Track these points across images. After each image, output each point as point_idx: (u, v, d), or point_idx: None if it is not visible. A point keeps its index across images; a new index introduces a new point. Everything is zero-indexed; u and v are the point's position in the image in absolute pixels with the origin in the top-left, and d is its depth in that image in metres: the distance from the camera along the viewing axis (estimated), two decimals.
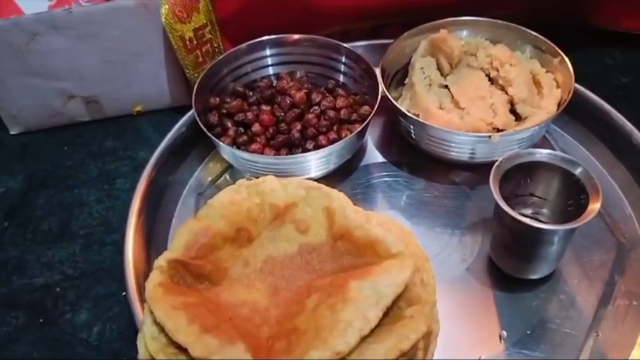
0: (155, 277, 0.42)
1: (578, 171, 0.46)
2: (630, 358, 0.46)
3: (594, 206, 0.44)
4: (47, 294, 0.54)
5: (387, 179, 0.62)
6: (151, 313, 0.40)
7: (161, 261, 0.43)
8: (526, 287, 0.51)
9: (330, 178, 0.60)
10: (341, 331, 0.38)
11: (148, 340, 0.39)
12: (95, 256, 0.57)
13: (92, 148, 0.67)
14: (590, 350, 0.47)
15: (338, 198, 0.48)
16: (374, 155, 0.64)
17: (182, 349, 0.38)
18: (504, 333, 0.48)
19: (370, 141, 0.65)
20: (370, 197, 0.60)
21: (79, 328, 0.51)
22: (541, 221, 0.49)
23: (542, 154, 0.48)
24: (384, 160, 0.63)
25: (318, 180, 0.58)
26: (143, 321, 0.41)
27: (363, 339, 0.39)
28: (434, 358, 0.46)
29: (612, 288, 0.50)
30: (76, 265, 0.56)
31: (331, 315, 0.39)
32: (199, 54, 0.64)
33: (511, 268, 0.50)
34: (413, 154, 0.62)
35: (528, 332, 0.48)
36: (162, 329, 0.39)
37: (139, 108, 0.70)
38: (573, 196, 0.47)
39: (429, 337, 0.45)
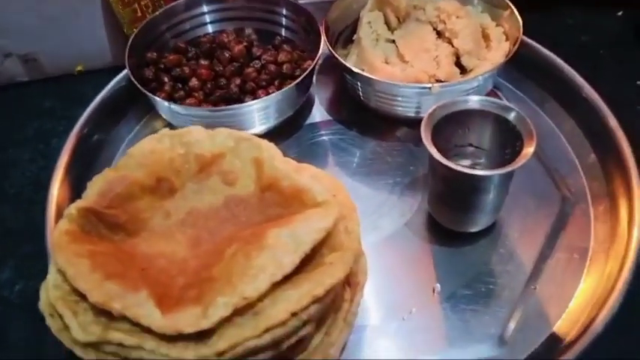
0: (62, 225, 0.40)
1: (511, 116, 0.44)
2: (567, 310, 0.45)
3: (528, 150, 0.42)
4: None
5: (332, 137, 0.60)
6: (56, 262, 0.38)
7: (71, 209, 0.41)
8: (465, 241, 0.49)
9: (274, 136, 0.57)
10: (251, 277, 0.36)
11: (50, 288, 0.37)
12: (24, 214, 0.55)
13: (30, 108, 0.65)
14: (526, 303, 0.45)
15: (268, 149, 0.46)
16: (321, 114, 0.62)
17: (84, 298, 0.36)
18: (438, 286, 0.46)
19: (317, 100, 0.63)
20: (314, 155, 0.58)
21: (1, 285, 0.49)
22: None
23: (475, 100, 0.46)
24: (331, 118, 0.61)
25: (262, 136, 0.56)
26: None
27: (279, 286, 0.37)
28: (363, 309, 0.45)
29: (554, 242, 0.49)
30: (3, 223, 0.54)
31: (245, 262, 0.37)
32: (137, 8, 0.61)
33: (449, 220, 0.49)
34: (361, 113, 0.60)
35: (464, 286, 0.46)
36: (65, 278, 0.37)
37: (79, 67, 0.67)
38: (509, 143, 0.45)
39: (355, 287, 0.44)
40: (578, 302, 0.45)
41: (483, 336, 0.44)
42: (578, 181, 0.53)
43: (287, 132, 0.59)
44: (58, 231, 0.39)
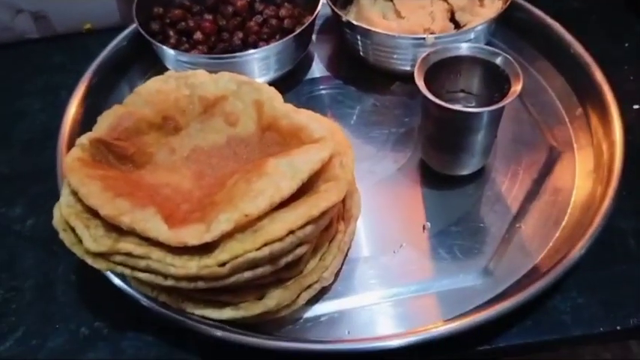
0: (75, 153, 0.42)
1: (499, 60, 0.46)
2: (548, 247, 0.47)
3: (515, 88, 0.44)
4: None
5: (330, 91, 0.62)
6: (69, 185, 0.41)
7: (83, 139, 0.43)
8: (455, 184, 0.52)
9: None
10: (252, 197, 0.39)
11: (62, 207, 0.40)
12: (35, 158, 0.57)
13: (40, 63, 0.67)
14: (510, 240, 0.48)
15: (268, 91, 0.48)
16: (320, 70, 0.64)
17: (96, 216, 0.39)
18: (428, 224, 0.49)
19: (317, 57, 0.66)
20: (312, 107, 0.58)
21: (13, 220, 0.52)
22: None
23: (465, 47, 0.48)
24: (330, 74, 0.64)
25: None
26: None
27: (277, 210, 0.39)
28: (357, 242, 0.47)
29: (540, 185, 0.51)
30: (14, 166, 0.56)
31: (246, 186, 0.40)
32: None
33: (439, 163, 0.51)
34: (359, 69, 0.63)
35: (452, 224, 0.49)
36: (78, 199, 0.40)
37: (88, 26, 0.69)
38: (498, 87, 0.47)
39: (349, 220, 0.46)
40: (560, 239, 0.47)
41: (469, 268, 0.46)
42: (566, 133, 0.56)
43: (286, 86, 0.62)
44: (70, 157, 0.42)
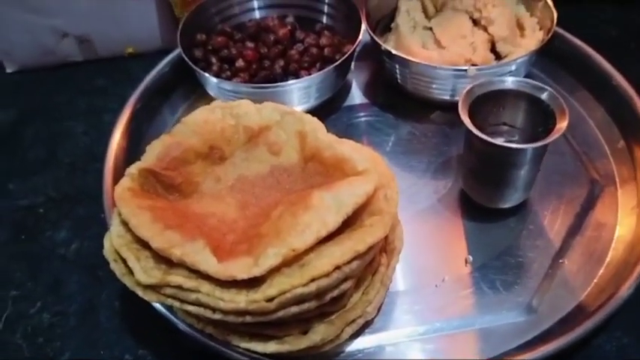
0: (125, 182, 0.43)
1: (544, 95, 0.46)
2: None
3: (561, 125, 0.44)
4: (30, 214, 0.55)
5: (369, 119, 0.62)
6: (119, 214, 0.42)
7: (132, 169, 0.44)
8: (496, 217, 0.51)
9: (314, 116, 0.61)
10: (299, 232, 0.39)
11: (113, 237, 0.41)
12: (79, 181, 0.58)
13: (83, 86, 0.68)
14: (553, 276, 0.47)
15: (311, 122, 0.49)
16: (358, 97, 0.65)
17: (146, 246, 0.40)
18: (470, 257, 0.49)
19: (355, 84, 0.66)
20: (351, 135, 0.60)
21: (58, 244, 0.53)
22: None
23: (510, 81, 0.48)
24: (368, 101, 0.64)
25: None
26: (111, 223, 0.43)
27: (323, 243, 0.40)
28: (398, 276, 0.47)
29: (582, 220, 0.51)
30: (60, 189, 0.57)
31: (292, 219, 0.40)
32: None
33: (481, 196, 0.51)
34: (397, 97, 0.63)
35: (494, 258, 0.49)
36: (128, 229, 0.41)
37: (130, 50, 0.71)
38: (542, 121, 0.47)
39: (392, 253, 0.46)
40: (604, 276, 0.47)
41: (512, 304, 0.46)
42: (607, 166, 0.55)
43: (325, 113, 0.62)
44: (121, 187, 0.43)
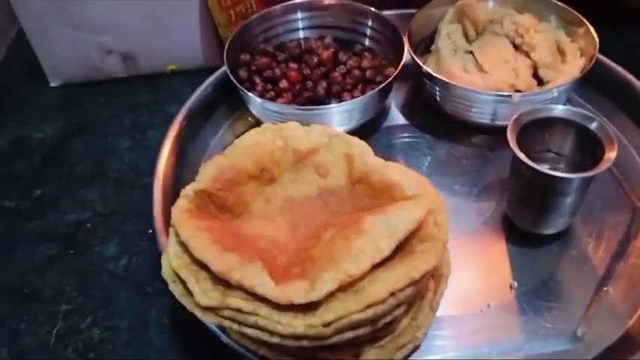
0: (182, 204, 0.44)
1: (593, 125, 0.47)
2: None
3: (610, 155, 0.45)
4: (79, 229, 0.57)
5: (408, 140, 0.63)
6: (176, 235, 0.43)
7: (188, 190, 0.46)
8: (540, 243, 0.52)
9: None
10: (353, 257, 0.40)
11: (171, 258, 0.42)
12: (125, 197, 0.59)
13: (126, 102, 0.70)
14: (598, 303, 0.47)
15: (358, 145, 0.50)
16: (397, 118, 0.66)
17: (204, 267, 0.41)
18: (515, 283, 0.49)
19: (394, 105, 0.67)
20: (391, 156, 0.61)
21: (107, 260, 0.54)
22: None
23: (559, 109, 0.49)
24: (407, 122, 0.65)
25: None
26: (168, 243, 0.44)
27: (376, 269, 0.40)
28: (444, 300, 0.48)
29: (626, 247, 0.51)
30: (107, 204, 0.59)
31: (345, 244, 0.41)
32: (233, 13, 0.66)
33: (526, 222, 0.51)
34: (436, 117, 0.64)
35: (539, 284, 0.49)
36: (185, 249, 0.42)
37: (172, 67, 0.72)
38: (589, 150, 0.47)
39: (439, 278, 0.47)
40: None
41: (558, 331, 0.46)
42: None
43: (365, 134, 0.63)
44: (178, 209, 0.44)
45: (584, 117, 0.48)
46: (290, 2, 0.66)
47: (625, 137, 0.60)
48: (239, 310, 0.39)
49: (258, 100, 0.58)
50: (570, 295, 0.48)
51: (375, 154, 0.60)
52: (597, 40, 0.59)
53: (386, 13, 0.68)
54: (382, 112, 0.65)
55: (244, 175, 0.47)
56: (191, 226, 0.42)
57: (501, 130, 0.51)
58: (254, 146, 0.49)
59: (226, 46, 0.61)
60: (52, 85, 0.72)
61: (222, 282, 0.40)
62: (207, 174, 0.47)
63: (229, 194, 0.47)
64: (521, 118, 0.48)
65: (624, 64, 0.63)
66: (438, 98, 0.61)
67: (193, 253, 0.41)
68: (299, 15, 0.66)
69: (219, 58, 0.63)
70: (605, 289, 0.49)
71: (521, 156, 0.46)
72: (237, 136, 0.63)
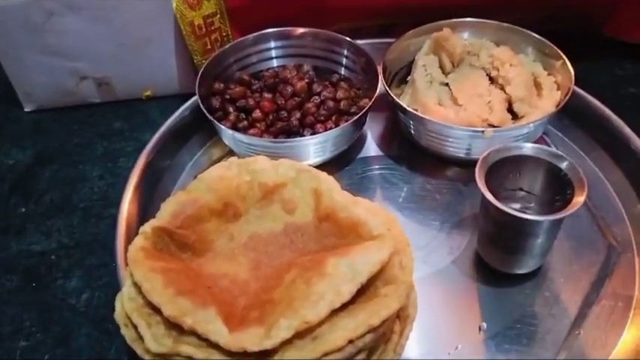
0: (138, 242, 0.43)
1: (564, 165, 0.46)
2: (610, 358, 0.45)
3: (579, 199, 0.44)
4: (42, 261, 0.55)
5: (383, 172, 0.62)
6: (132, 275, 0.42)
7: (146, 227, 0.44)
8: (511, 282, 0.51)
9: (327, 168, 0.59)
10: (312, 303, 0.38)
11: (125, 299, 0.41)
12: (92, 228, 0.58)
13: (100, 128, 0.69)
14: (570, 348, 0.46)
15: (326, 181, 0.49)
16: (372, 149, 0.65)
17: (157, 311, 0.39)
18: (484, 325, 0.48)
19: (370, 135, 0.66)
20: (365, 188, 0.61)
21: (69, 294, 0.53)
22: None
23: (529, 147, 0.48)
24: (382, 153, 0.64)
25: (316, 168, 0.59)
26: (124, 283, 0.42)
27: (336, 313, 0.39)
28: (410, 342, 0.46)
29: (599, 289, 0.50)
30: (73, 235, 0.58)
31: (306, 288, 0.40)
32: (208, 41, 0.66)
33: (497, 261, 0.50)
34: (411, 149, 0.63)
35: (509, 326, 0.48)
36: (140, 291, 0.41)
37: (148, 92, 0.72)
38: (560, 190, 0.46)
39: (405, 320, 0.45)
40: (622, 350, 0.46)
41: None
42: (624, 231, 0.54)
43: (340, 165, 0.62)
44: (134, 247, 0.43)
45: (554, 156, 0.47)
46: (263, 31, 0.65)
47: (601, 172, 0.60)
48: (190, 358, 0.37)
49: (230, 132, 0.58)
50: (541, 339, 0.47)
51: (350, 186, 0.60)
52: (573, 73, 0.58)
53: (362, 42, 0.68)
54: (357, 142, 0.64)
55: (206, 211, 0.46)
56: (145, 267, 0.41)
57: (477, 163, 0.51)
58: (218, 180, 0.48)
59: (199, 76, 0.61)
60: (27, 109, 0.72)
61: (176, 326, 0.39)
62: (167, 210, 0.46)
63: (190, 232, 0.45)
64: (489, 156, 0.47)
65: (606, 96, 0.63)
66: (412, 131, 0.61)
67: (146, 295, 0.39)
68: (272, 44, 0.66)
69: (195, 85, 0.62)
70: (577, 332, 0.47)
71: (489, 196, 0.45)
72: (213, 163, 0.64)
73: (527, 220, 0.44)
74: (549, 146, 0.61)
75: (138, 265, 0.41)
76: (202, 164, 0.64)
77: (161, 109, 0.71)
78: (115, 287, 0.51)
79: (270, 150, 0.57)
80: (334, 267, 0.41)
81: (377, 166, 0.63)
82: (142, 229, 0.44)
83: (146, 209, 0.57)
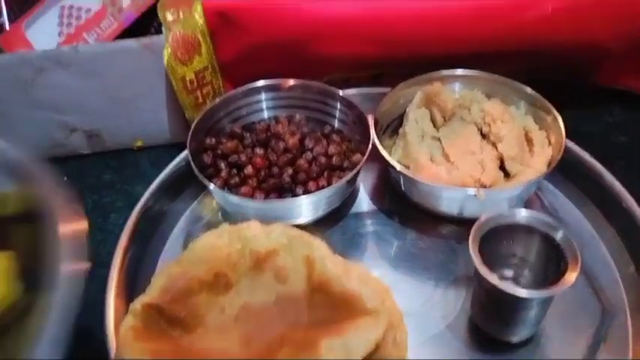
0: (128, 321, 0.43)
1: (558, 236, 0.46)
2: None
3: (571, 275, 0.43)
4: None
5: (376, 228, 0.62)
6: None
7: (136, 304, 0.44)
8: (506, 349, 0.50)
9: (319, 224, 0.60)
10: None
11: None
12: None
13: (90, 181, 0.68)
14: None
15: (319, 248, 0.48)
16: (365, 203, 0.64)
17: None
18: None
19: (362, 188, 0.66)
20: (358, 245, 0.60)
21: None
22: (519, 285, 0.48)
23: (523, 216, 0.48)
24: (375, 208, 0.64)
25: (307, 225, 0.58)
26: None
27: None
28: None
29: (593, 354, 0.50)
30: None
31: None
32: (199, 95, 0.65)
33: (490, 328, 0.50)
34: (404, 204, 0.62)
35: None
36: None
37: (139, 143, 0.71)
38: (554, 259, 0.46)
39: None
40: None
41: None
42: (617, 292, 0.54)
43: (332, 221, 0.62)
44: (124, 327, 0.42)
45: (548, 226, 0.47)
46: (254, 84, 0.65)
47: (595, 230, 0.59)
48: None
49: (220, 191, 0.57)
50: None
51: (343, 242, 0.60)
52: (564, 130, 0.58)
53: (353, 91, 0.68)
54: (350, 197, 0.64)
55: (197, 284, 0.46)
56: (136, 349, 0.40)
57: (471, 221, 0.50)
58: (209, 250, 0.48)
59: (190, 133, 0.60)
60: None
61: None
62: (157, 284, 0.45)
63: (181, 306, 0.45)
64: (482, 226, 0.47)
65: (596, 146, 0.63)
66: (403, 189, 0.60)
67: None
68: (263, 96, 0.66)
69: (187, 134, 0.61)
70: None
71: (483, 271, 0.44)
72: (205, 216, 0.63)
73: (519, 297, 0.44)
74: (542, 202, 0.62)
75: (127, 348, 0.41)
76: (195, 217, 0.63)
77: (152, 159, 0.70)
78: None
79: (261, 210, 0.57)
80: (328, 349, 0.40)
81: (369, 221, 0.62)
82: (131, 306, 0.44)
83: (136, 269, 0.56)
